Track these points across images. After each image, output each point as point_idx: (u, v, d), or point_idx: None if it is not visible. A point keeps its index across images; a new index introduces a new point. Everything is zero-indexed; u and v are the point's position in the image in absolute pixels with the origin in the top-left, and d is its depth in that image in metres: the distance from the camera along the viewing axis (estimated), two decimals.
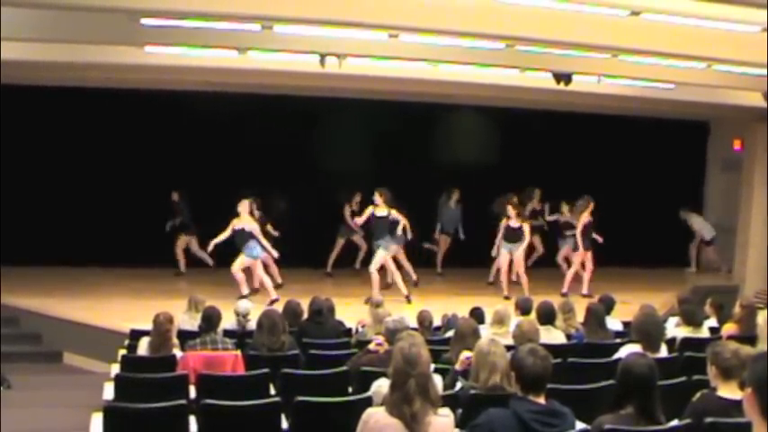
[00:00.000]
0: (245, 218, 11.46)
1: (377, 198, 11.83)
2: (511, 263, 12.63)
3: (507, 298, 11.83)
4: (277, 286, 11.96)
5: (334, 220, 14.00)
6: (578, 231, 13.04)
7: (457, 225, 14.47)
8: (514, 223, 12.43)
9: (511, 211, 12.43)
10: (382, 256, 11.87)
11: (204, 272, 12.99)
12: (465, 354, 5.41)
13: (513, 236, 12.45)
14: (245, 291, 11.50)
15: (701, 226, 15.94)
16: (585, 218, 13.01)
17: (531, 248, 14.30)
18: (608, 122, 14.90)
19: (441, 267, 14.74)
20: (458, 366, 5.48)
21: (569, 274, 13.30)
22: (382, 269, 12.14)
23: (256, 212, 11.86)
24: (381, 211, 11.86)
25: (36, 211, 13.00)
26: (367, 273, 12.14)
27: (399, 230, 11.93)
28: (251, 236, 11.43)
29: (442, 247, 14.71)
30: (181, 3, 7.66)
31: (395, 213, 11.87)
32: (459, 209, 14.48)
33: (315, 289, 10.80)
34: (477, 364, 4.97)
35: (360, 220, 12.43)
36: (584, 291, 12.94)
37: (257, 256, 11.56)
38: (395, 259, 12.45)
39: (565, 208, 14.15)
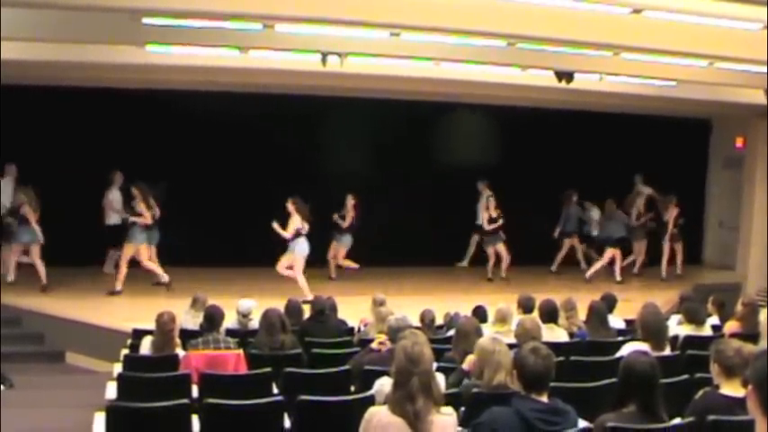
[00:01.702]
0: None
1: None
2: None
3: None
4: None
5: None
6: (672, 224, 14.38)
7: (575, 225, 14.82)
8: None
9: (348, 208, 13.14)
10: None
11: (204, 271, 12.96)
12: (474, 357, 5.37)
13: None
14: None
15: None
16: (675, 211, 14.35)
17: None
18: (610, 120, 14.89)
19: (556, 266, 15.00)
20: (465, 366, 5.46)
21: (664, 263, 14.50)
22: None
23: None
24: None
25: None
26: None
27: None
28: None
29: (566, 247, 14.90)
30: (182, 2, 7.64)
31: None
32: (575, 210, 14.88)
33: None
34: (481, 363, 4.95)
35: None
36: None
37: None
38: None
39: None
